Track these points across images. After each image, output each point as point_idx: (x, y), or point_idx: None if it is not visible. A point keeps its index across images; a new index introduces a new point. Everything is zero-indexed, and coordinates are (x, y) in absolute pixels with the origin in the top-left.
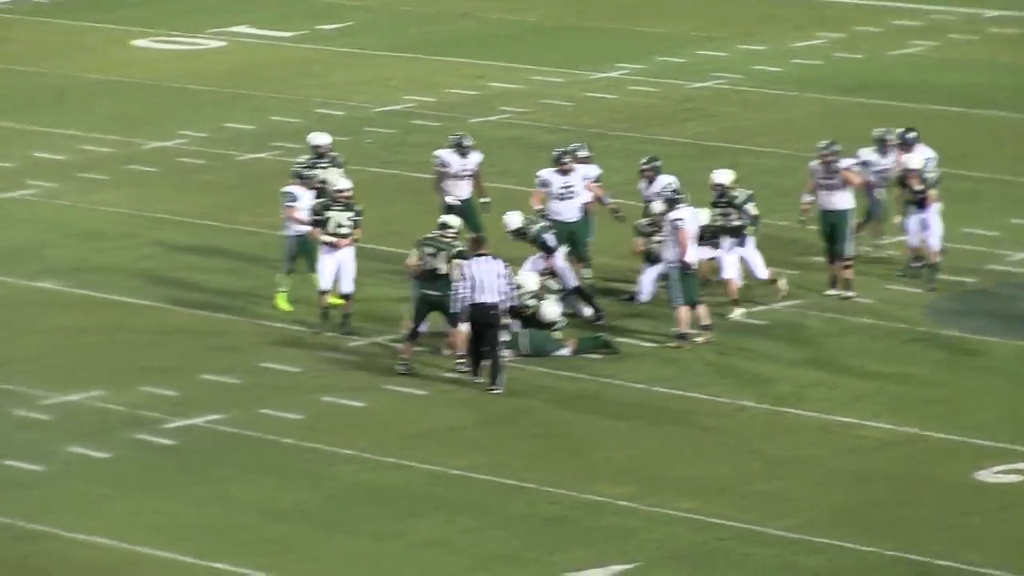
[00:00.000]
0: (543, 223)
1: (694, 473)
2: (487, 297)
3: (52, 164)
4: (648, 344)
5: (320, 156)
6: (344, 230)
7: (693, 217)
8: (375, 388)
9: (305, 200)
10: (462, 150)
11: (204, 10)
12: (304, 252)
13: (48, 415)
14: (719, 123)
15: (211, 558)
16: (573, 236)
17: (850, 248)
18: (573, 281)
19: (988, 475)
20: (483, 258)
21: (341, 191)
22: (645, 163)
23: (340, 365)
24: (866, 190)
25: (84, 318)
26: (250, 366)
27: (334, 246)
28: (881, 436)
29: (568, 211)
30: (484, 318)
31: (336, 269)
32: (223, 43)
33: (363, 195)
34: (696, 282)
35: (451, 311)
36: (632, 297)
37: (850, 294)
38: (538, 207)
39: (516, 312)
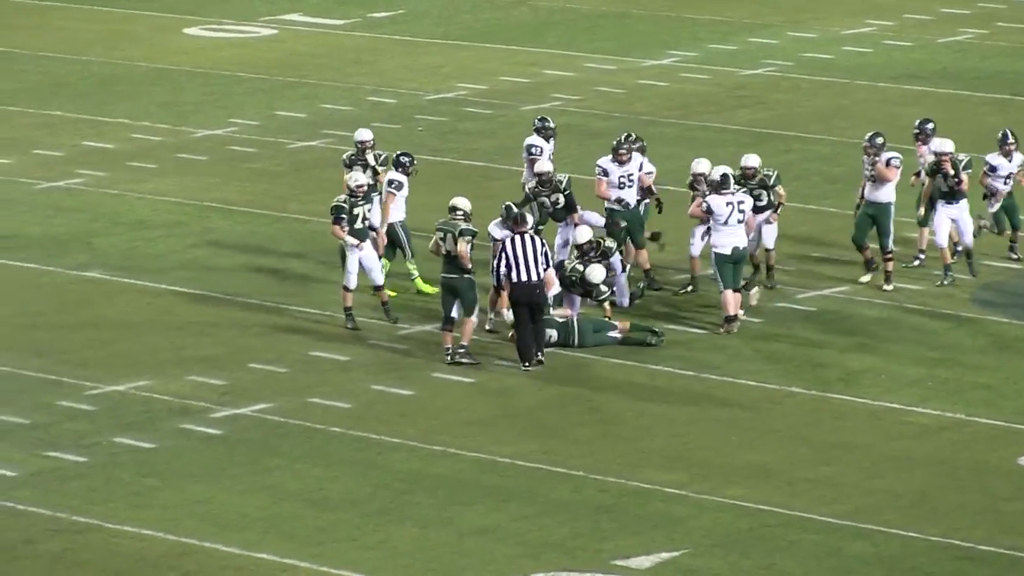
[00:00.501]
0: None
1: (741, 460)
2: (529, 275)
3: (101, 153)
4: (697, 331)
5: (362, 152)
6: (360, 224)
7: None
8: (423, 376)
9: (406, 189)
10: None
11: None
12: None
13: (94, 405)
14: (770, 110)
15: (258, 548)
16: (631, 224)
17: (891, 242)
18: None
19: None
20: (523, 236)
21: (360, 186)
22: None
23: (389, 353)
24: (989, 196)
25: (131, 308)
26: (298, 355)
27: (356, 246)
28: (927, 422)
29: (628, 199)
30: (528, 296)
31: (359, 265)
32: (274, 31)
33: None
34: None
35: (467, 299)
36: (688, 288)
37: (889, 287)
38: (603, 196)
39: (562, 280)
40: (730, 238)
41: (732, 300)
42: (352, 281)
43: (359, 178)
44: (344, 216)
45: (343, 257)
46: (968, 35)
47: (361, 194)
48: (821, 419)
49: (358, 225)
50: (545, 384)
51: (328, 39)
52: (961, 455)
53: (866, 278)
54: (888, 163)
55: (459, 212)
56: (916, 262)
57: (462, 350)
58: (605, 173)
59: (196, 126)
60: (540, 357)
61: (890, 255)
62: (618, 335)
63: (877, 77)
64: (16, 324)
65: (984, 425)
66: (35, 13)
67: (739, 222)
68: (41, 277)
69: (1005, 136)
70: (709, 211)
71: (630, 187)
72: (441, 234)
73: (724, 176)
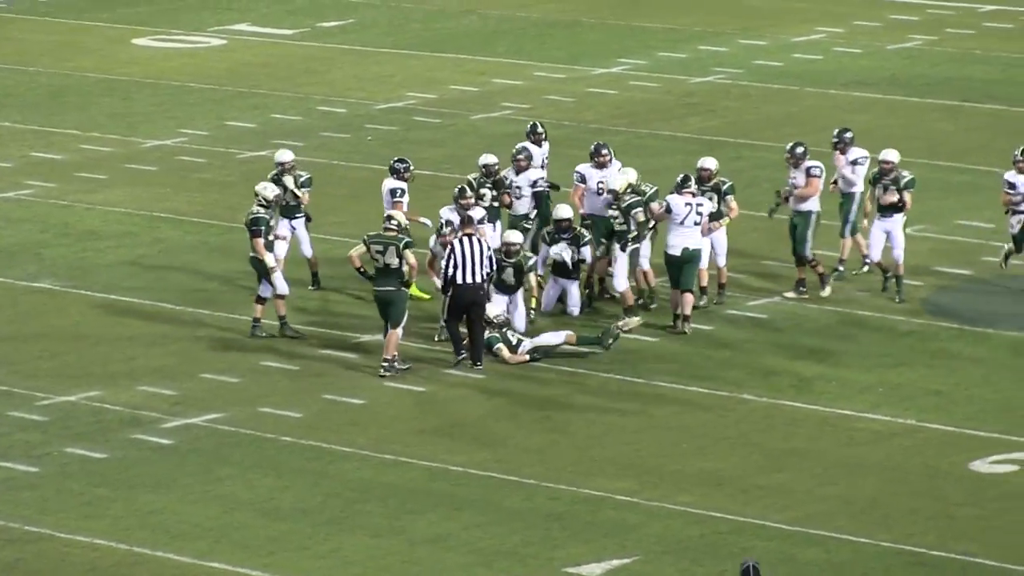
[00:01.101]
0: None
1: (693, 467)
2: (472, 277)
3: (50, 163)
4: (648, 339)
5: (283, 173)
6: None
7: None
8: (374, 385)
9: (406, 195)
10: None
11: (205, 8)
12: None
13: (45, 416)
14: (720, 117)
15: (210, 558)
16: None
17: (806, 249)
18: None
19: (983, 465)
20: (470, 237)
21: (278, 196)
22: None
23: (339, 363)
24: (1010, 213)
25: (82, 318)
26: (249, 365)
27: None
28: (879, 428)
29: (604, 206)
30: (469, 297)
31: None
32: (223, 41)
33: (365, 192)
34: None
35: (398, 311)
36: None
37: (792, 295)
38: (578, 204)
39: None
40: (681, 239)
41: (685, 300)
42: (267, 290)
43: (274, 188)
44: (264, 229)
45: (260, 270)
46: (917, 42)
47: (277, 205)
48: (773, 426)
49: (270, 237)
50: (496, 393)
51: (277, 49)
52: (912, 461)
53: (826, 292)
54: (808, 172)
55: (394, 223)
56: (837, 271)
57: (386, 363)
58: (583, 179)
59: (146, 136)
60: (479, 366)
61: (813, 263)
62: (561, 340)
63: (827, 84)
64: None
65: (935, 431)
66: None
67: (695, 224)
68: None
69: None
70: (668, 210)
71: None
72: (380, 247)
73: (686, 176)
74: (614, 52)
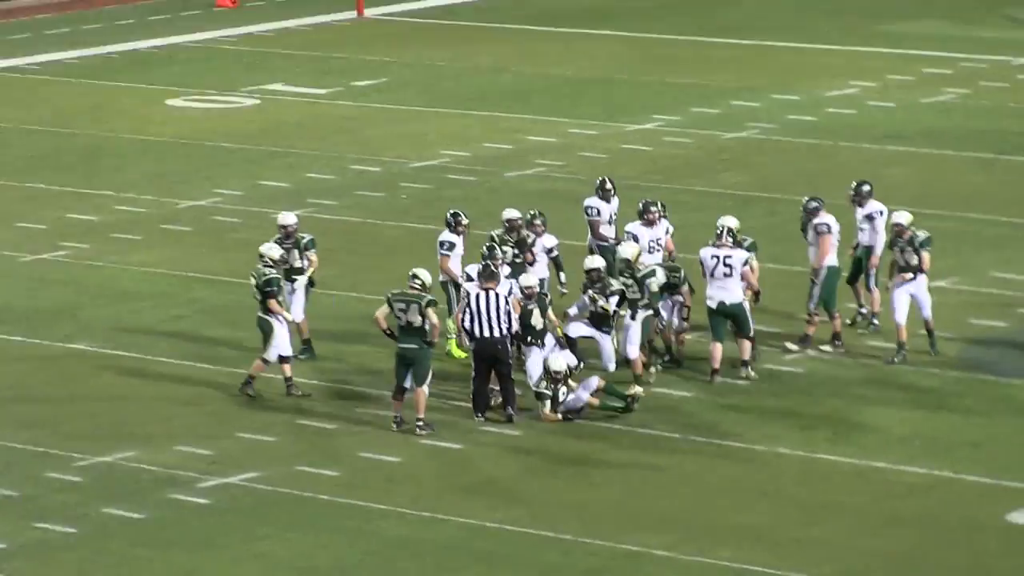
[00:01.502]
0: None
1: (730, 521)
2: (490, 331)
3: (85, 225)
4: (683, 393)
5: (287, 236)
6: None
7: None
8: (410, 442)
9: (459, 248)
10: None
11: (238, 68)
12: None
13: (82, 477)
14: (754, 172)
15: None
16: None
17: (812, 305)
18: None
19: (1022, 517)
20: (488, 292)
21: (282, 257)
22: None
23: (377, 420)
24: None
25: (118, 379)
26: (286, 423)
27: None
28: (915, 480)
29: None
30: (489, 351)
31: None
32: (257, 101)
33: (398, 251)
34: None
35: (423, 369)
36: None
37: (828, 348)
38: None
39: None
40: (716, 291)
41: (717, 352)
42: (273, 355)
43: (279, 249)
44: (276, 289)
45: (266, 330)
46: (951, 95)
47: (283, 266)
48: (809, 479)
49: (282, 297)
50: (532, 449)
51: (311, 108)
52: (949, 513)
53: (792, 347)
54: (816, 230)
55: (418, 282)
56: (863, 319)
57: (420, 423)
58: (635, 238)
59: (180, 197)
60: (511, 411)
61: (813, 317)
62: (591, 390)
63: (861, 138)
64: (3, 397)
65: (972, 483)
66: (22, 86)
67: (725, 275)
68: (27, 350)
69: None
70: (701, 262)
71: (657, 251)
72: (403, 304)
73: (720, 230)
74: (648, 108)
